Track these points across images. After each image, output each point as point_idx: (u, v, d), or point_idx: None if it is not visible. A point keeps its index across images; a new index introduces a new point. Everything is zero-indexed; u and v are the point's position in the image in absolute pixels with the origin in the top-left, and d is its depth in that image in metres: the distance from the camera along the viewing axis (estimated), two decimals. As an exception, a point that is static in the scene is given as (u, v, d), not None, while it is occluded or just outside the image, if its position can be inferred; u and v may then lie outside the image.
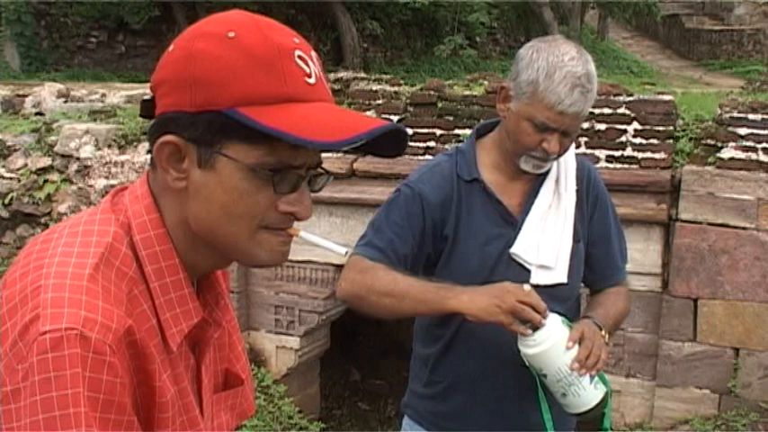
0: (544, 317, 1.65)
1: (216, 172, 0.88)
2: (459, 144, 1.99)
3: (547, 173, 1.88)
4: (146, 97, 0.95)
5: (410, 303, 1.75)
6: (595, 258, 1.96)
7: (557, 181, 1.89)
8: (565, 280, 1.87)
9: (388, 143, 0.91)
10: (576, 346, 1.70)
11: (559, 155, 1.80)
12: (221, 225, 0.90)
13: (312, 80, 0.90)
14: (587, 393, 1.71)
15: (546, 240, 1.85)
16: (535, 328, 1.66)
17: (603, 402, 1.75)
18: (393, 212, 1.87)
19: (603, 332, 1.78)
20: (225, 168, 0.88)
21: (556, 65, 1.70)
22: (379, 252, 1.82)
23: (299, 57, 0.89)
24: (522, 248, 1.85)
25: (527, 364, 1.73)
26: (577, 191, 1.91)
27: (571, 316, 1.86)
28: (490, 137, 1.92)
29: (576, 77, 1.69)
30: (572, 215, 1.89)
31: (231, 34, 0.87)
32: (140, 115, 0.96)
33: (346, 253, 1.00)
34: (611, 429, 1.87)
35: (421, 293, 1.74)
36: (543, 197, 1.88)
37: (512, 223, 1.86)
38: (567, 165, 1.91)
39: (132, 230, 0.92)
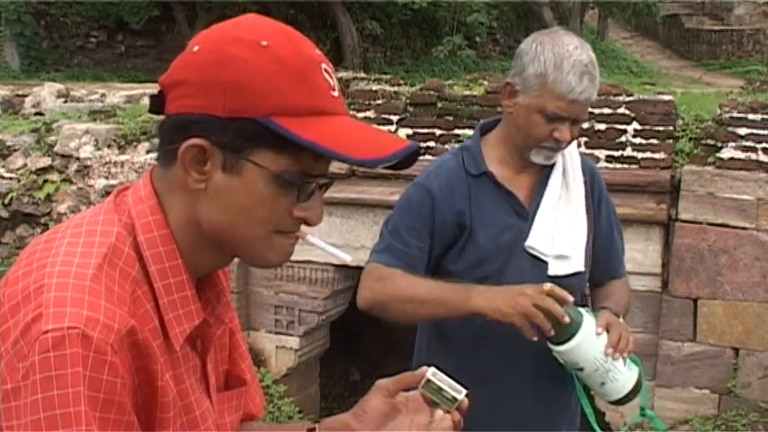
0: (561, 320, 1.64)
1: (241, 177, 0.89)
2: (464, 142, 1.99)
3: (552, 165, 1.91)
4: (154, 92, 0.94)
5: (431, 306, 1.77)
6: (601, 252, 1.98)
7: (563, 173, 1.92)
8: (582, 268, 1.90)
9: (404, 159, 0.92)
10: (605, 334, 1.74)
11: (568, 143, 1.84)
12: (238, 227, 0.92)
13: (336, 93, 0.92)
14: (624, 376, 1.76)
15: (560, 231, 1.87)
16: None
17: (639, 382, 1.79)
18: (405, 214, 1.88)
19: (621, 319, 1.84)
20: (250, 174, 0.89)
21: (562, 55, 1.74)
22: (395, 258, 1.83)
23: (325, 69, 0.91)
24: (537, 241, 1.86)
25: (561, 362, 1.75)
26: (585, 183, 1.94)
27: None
28: (494, 134, 1.94)
29: (583, 65, 1.74)
30: (583, 205, 1.92)
31: (264, 43, 0.88)
32: (149, 111, 0.96)
33: (351, 261, 1.01)
34: (646, 408, 1.97)
35: (441, 296, 1.75)
36: (552, 188, 1.90)
37: (523, 215, 1.88)
38: (572, 157, 1.93)
39: (136, 231, 0.92)
